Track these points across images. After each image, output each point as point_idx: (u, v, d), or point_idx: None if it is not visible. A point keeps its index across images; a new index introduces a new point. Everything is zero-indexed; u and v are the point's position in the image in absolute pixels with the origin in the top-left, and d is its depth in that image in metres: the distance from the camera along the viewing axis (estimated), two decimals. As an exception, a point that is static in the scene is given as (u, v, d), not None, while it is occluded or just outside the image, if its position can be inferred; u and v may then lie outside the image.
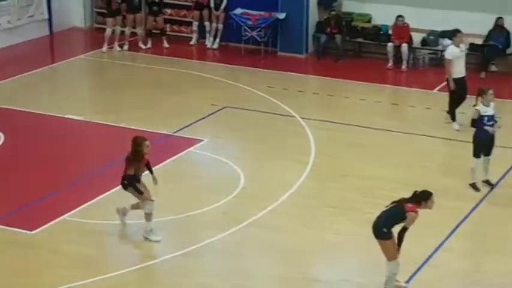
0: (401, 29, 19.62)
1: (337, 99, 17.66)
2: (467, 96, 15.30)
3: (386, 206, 9.67)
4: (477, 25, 19.06)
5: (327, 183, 13.19)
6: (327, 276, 10.54)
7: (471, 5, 19.24)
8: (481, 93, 12.81)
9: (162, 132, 15.20)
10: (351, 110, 16.72)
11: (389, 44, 19.63)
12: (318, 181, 13.36)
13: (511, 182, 13.19)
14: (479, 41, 19.29)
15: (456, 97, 15.57)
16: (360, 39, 20.51)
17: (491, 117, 12.71)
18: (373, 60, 20.11)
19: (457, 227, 11.68)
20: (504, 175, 13.32)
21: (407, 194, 9.80)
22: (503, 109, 15.32)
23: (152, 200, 11.13)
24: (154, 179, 11.48)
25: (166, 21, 21.64)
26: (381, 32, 20.26)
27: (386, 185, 12.80)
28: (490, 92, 12.76)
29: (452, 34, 16.20)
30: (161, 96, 17.38)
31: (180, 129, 15.44)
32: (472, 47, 19.31)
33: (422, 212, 9.56)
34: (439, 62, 19.16)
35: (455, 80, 15.48)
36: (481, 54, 19.20)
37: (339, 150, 14.49)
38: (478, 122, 12.65)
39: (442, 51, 19.58)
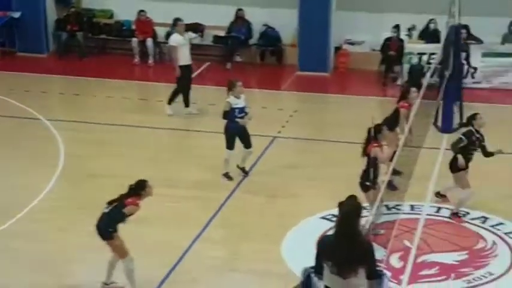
0: (145, 24, 19.63)
1: (83, 98, 17.29)
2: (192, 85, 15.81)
3: (106, 207, 9.41)
4: (220, 17, 19.47)
5: (77, 184, 12.83)
6: (85, 279, 10.22)
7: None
8: (230, 86, 12.88)
9: None
10: (99, 109, 16.41)
11: (134, 40, 19.58)
12: (69, 183, 12.95)
13: (261, 170, 13.56)
14: (222, 33, 19.72)
15: (181, 84, 15.84)
16: (103, 36, 20.31)
17: (241, 110, 12.83)
18: (119, 57, 19.95)
19: (213, 216, 11.81)
20: (255, 163, 13.66)
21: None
22: (253, 99, 15.73)
23: None
24: None
25: None
26: (124, 28, 20.18)
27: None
28: (239, 84, 12.86)
29: (174, 23, 16.45)
30: None
31: None
32: (216, 39, 19.83)
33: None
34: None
35: (181, 67, 15.75)
36: (225, 46, 19.66)
37: (87, 150, 14.09)
38: (229, 114, 12.79)
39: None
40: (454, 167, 11.43)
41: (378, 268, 7.49)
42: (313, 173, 12.93)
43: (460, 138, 11.38)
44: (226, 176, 13.02)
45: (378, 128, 10.80)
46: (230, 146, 12.97)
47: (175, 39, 15.93)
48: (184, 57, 15.80)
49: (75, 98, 17.42)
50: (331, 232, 7.37)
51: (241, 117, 12.86)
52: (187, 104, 15.92)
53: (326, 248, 7.18)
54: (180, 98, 15.79)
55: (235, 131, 12.90)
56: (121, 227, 9.33)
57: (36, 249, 10.88)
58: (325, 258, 7.12)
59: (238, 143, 12.86)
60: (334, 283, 7.07)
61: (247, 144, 13.01)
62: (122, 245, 9.44)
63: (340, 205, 7.20)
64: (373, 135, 10.67)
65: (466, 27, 16.63)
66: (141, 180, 9.43)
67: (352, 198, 7.30)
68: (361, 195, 9.68)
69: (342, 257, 6.98)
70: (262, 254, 10.72)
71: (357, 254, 7.00)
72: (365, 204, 9.83)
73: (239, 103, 12.83)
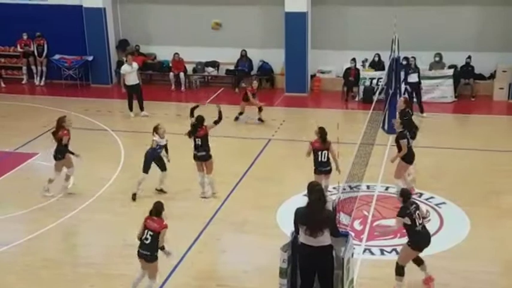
0: (178, 62, 19.48)
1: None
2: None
3: (145, 238, 8.04)
4: (230, 56, 19.29)
5: (132, 176, 12.25)
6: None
7: (224, 41, 19.47)
8: (155, 129, 11.20)
9: (5, 150, 13.97)
10: (148, 122, 16.21)
11: (171, 73, 19.41)
12: (127, 175, 12.62)
13: (262, 161, 13.39)
14: (232, 67, 19.57)
15: (129, 96, 16.43)
16: (150, 71, 20.12)
17: (162, 147, 11.35)
18: (161, 85, 19.74)
19: (230, 194, 11.66)
20: (257, 156, 13.49)
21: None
22: (254, 113, 15.62)
23: None
24: None
25: (1, 67, 20.14)
26: (164, 65, 20.01)
27: None
28: (162, 128, 11.25)
29: (125, 56, 16.87)
30: (2, 123, 15.93)
31: (20, 147, 14.24)
32: (227, 71, 19.69)
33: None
34: (206, 84, 19.42)
35: (127, 86, 16.27)
36: (234, 76, 19.50)
37: (139, 152, 13.88)
38: (154, 149, 11.25)
39: (209, 75, 19.85)
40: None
41: (344, 229, 7.51)
42: (298, 163, 12.79)
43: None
44: (133, 196, 11.45)
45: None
46: (146, 170, 11.41)
47: (124, 68, 16.31)
48: (131, 80, 16.22)
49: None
50: (303, 205, 7.29)
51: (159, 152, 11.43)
52: (141, 109, 16.57)
53: (300, 216, 7.14)
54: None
55: (153, 157, 11.42)
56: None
57: (109, 219, 10.78)
58: (299, 223, 7.09)
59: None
60: (308, 240, 7.09)
61: (162, 168, 11.58)
62: (157, 268, 8.18)
63: (311, 185, 7.20)
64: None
65: (407, 58, 16.33)
66: (158, 203, 8.19)
67: (317, 182, 7.52)
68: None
69: (312, 221, 6.99)
70: (263, 221, 10.61)
71: (322, 218, 7.00)
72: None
73: (162, 141, 11.33)
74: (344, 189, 10.49)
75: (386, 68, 15.60)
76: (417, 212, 8.21)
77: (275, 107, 17.68)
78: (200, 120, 11.37)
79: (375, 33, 17.85)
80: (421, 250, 8.29)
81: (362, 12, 18.51)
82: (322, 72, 19.27)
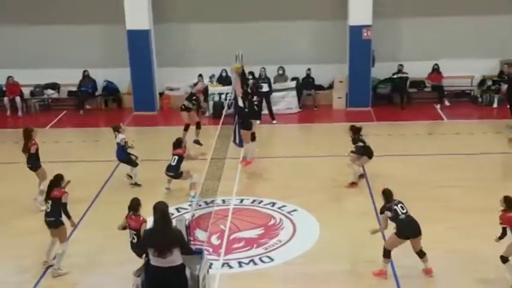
0: (13, 86, 18.56)
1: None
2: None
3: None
4: (72, 77, 18.70)
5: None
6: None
7: (64, 62, 18.87)
8: (118, 128, 12.86)
9: None
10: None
11: (5, 98, 18.43)
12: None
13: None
14: (74, 88, 19.02)
15: None
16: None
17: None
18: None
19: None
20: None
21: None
22: (102, 135, 15.15)
23: None
24: None
25: None
26: (-2, 90, 18.95)
27: None
28: (123, 125, 13.14)
29: None
30: None
31: None
32: (69, 93, 19.15)
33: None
34: (47, 107, 18.66)
35: None
36: (77, 98, 18.95)
37: None
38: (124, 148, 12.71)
39: (49, 98, 19.14)
40: None
41: (197, 246, 7.56)
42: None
43: None
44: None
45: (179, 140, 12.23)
46: (135, 164, 12.80)
47: None
48: None
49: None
50: (150, 226, 7.28)
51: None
52: None
53: (148, 237, 7.11)
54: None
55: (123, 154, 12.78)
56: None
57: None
58: (148, 245, 7.07)
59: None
60: (157, 261, 7.01)
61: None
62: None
63: (155, 205, 7.22)
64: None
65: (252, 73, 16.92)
66: (134, 199, 8.87)
67: (161, 201, 7.39)
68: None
69: (158, 242, 6.92)
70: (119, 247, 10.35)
71: (169, 239, 6.96)
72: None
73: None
74: (199, 205, 10.58)
75: (233, 83, 15.98)
76: (399, 204, 8.87)
77: (125, 127, 17.36)
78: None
79: (220, 49, 18.25)
80: (407, 238, 8.87)
81: (205, 29, 18.88)
82: (171, 90, 19.33)
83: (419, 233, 8.85)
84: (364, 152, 12.42)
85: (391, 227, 9.06)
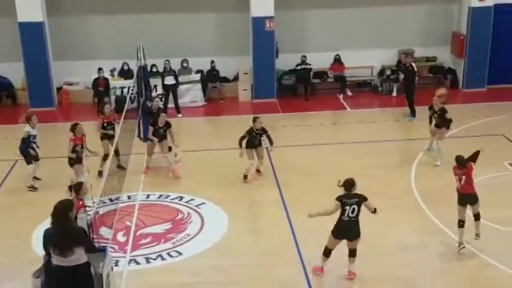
0: None
1: None
2: None
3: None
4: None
5: None
6: None
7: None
8: (28, 118, 12.52)
9: None
10: None
11: None
12: None
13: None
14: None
15: None
16: None
17: (35, 136, 12.42)
18: None
19: None
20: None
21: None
22: None
23: None
24: None
25: None
26: None
27: None
28: (34, 117, 12.54)
29: None
30: None
31: None
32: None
33: None
34: None
35: None
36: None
37: None
38: (27, 140, 12.31)
39: None
40: None
41: (101, 244, 7.39)
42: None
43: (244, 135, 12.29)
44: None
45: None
46: (29, 161, 12.30)
47: None
48: None
49: None
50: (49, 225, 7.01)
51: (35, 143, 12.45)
52: None
53: (48, 237, 6.92)
54: None
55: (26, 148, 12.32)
56: None
57: None
58: (49, 245, 6.89)
59: None
60: (59, 261, 6.85)
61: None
62: None
63: (55, 205, 6.98)
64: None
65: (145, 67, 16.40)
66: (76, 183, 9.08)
67: (64, 200, 7.19)
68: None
69: (58, 241, 6.77)
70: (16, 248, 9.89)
71: (69, 238, 6.80)
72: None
73: (33, 132, 12.35)
74: (104, 202, 10.32)
75: (135, 76, 15.69)
76: (353, 206, 8.60)
77: (20, 124, 16.64)
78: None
79: (121, 42, 17.87)
80: (337, 238, 8.82)
81: (104, 21, 18.39)
82: (70, 84, 18.69)
83: (356, 237, 8.79)
84: None
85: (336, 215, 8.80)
